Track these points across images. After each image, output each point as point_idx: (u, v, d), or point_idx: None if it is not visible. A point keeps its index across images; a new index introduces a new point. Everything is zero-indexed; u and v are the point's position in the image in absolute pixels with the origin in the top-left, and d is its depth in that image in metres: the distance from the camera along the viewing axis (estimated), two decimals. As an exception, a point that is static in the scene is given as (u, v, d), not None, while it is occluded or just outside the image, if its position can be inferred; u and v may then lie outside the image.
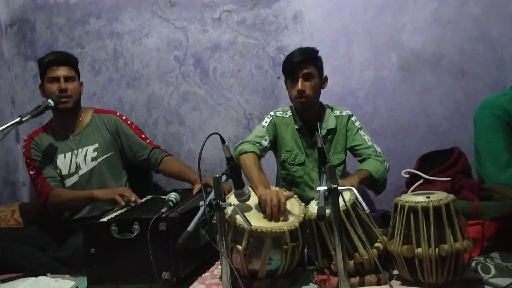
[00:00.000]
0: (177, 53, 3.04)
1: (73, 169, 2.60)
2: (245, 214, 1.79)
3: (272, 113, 2.44)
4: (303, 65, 2.27)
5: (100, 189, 2.51)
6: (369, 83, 2.84)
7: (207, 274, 2.17)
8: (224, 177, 1.73)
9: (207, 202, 1.60)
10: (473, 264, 1.88)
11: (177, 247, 1.90)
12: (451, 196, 1.81)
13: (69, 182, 2.60)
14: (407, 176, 2.49)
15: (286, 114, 2.42)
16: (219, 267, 2.13)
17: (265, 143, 2.34)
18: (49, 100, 2.50)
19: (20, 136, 3.19)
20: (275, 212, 1.92)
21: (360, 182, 2.14)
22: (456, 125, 2.75)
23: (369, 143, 2.33)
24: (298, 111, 2.40)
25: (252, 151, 2.25)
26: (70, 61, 2.61)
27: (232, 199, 1.95)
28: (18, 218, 2.79)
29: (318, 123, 1.97)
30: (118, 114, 2.76)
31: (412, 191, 2.35)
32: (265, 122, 2.40)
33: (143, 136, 2.72)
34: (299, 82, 2.26)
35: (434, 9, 2.74)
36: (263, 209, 1.95)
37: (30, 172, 2.61)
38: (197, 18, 3.00)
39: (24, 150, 2.64)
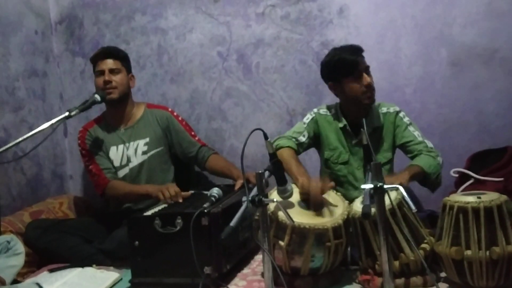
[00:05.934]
0: (220, 48, 3.04)
1: (124, 162, 2.67)
2: (288, 210, 1.78)
3: (315, 110, 2.38)
4: (363, 59, 2.21)
5: (154, 186, 2.53)
6: (417, 79, 2.75)
7: (248, 270, 2.17)
8: (266, 173, 1.72)
9: (249, 198, 1.59)
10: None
11: (219, 242, 1.91)
12: (504, 197, 1.75)
13: (120, 174, 2.68)
14: (456, 175, 2.43)
15: (329, 112, 2.36)
16: (260, 264, 2.13)
17: (303, 139, 2.30)
18: (96, 95, 2.57)
19: (68, 130, 3.27)
20: (318, 194, 1.90)
21: (411, 178, 2.05)
22: (509, 122, 2.63)
23: (420, 139, 2.24)
24: (344, 109, 2.31)
25: (287, 146, 2.23)
26: (114, 53, 2.66)
27: (274, 195, 1.93)
28: (65, 210, 2.87)
29: (364, 119, 1.93)
30: (170, 110, 2.80)
31: (461, 191, 2.29)
32: (307, 119, 2.36)
33: (193, 133, 2.76)
34: (364, 76, 2.19)
35: (487, 1, 2.63)
36: (305, 198, 1.94)
37: (86, 163, 2.69)
38: (240, 13, 2.98)
39: (79, 141, 2.72)
